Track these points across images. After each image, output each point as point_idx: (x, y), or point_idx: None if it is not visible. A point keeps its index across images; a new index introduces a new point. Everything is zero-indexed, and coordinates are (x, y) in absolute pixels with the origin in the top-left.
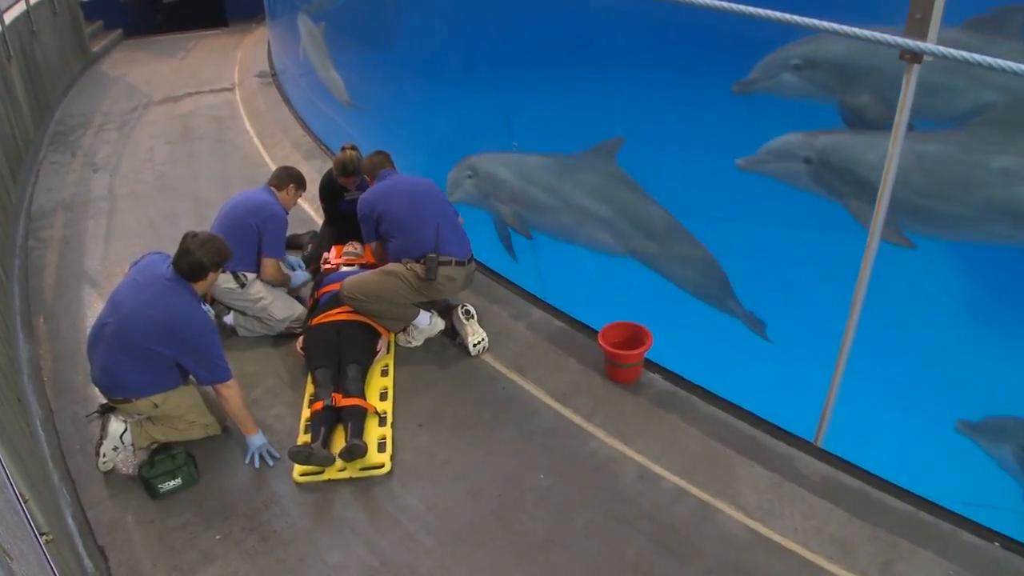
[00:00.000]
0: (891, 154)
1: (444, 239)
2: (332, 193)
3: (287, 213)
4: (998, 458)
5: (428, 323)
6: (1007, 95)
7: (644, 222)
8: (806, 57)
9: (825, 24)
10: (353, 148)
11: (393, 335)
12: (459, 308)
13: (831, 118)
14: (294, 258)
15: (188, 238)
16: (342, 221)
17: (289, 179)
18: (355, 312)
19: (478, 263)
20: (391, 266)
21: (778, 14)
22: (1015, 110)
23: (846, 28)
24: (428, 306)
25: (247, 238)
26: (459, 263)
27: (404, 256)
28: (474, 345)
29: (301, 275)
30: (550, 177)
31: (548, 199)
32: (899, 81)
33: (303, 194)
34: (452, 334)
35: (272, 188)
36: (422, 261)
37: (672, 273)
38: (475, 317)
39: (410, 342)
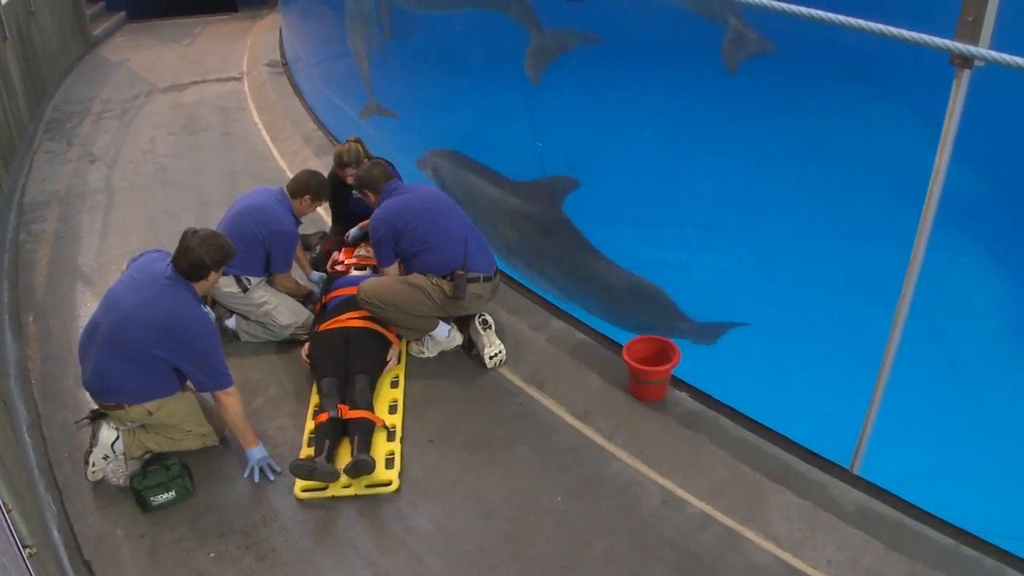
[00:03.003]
0: (938, 163)
1: (472, 255)
2: (338, 191)
3: (299, 223)
4: (429, 180)
5: (447, 336)
6: None
7: None
8: None
9: (872, 25)
10: (357, 140)
11: (405, 344)
12: (477, 318)
13: None
14: (318, 273)
15: (189, 235)
16: (351, 221)
17: (306, 189)
18: (366, 319)
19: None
20: (416, 278)
21: (822, 13)
22: None
23: (892, 30)
24: (448, 317)
25: (252, 247)
26: (487, 279)
27: (430, 273)
28: (491, 357)
29: (314, 274)
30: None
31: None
32: None
33: (321, 204)
34: (468, 345)
35: (287, 193)
36: (449, 278)
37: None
38: (493, 327)
39: (423, 352)
